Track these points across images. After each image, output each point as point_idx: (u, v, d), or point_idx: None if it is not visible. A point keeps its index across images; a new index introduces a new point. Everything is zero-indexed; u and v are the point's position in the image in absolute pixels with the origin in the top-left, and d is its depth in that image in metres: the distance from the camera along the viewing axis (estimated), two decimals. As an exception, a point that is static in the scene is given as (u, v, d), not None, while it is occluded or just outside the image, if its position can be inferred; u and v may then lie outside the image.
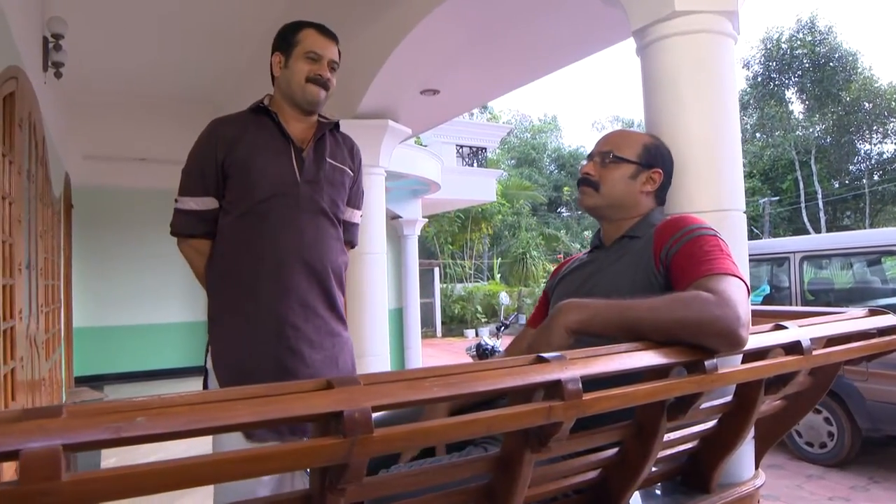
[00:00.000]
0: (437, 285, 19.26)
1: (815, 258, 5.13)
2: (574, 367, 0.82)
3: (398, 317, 9.91)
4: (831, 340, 1.40)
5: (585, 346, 0.95)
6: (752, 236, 22.27)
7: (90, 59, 4.54)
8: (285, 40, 1.64)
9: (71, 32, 3.79)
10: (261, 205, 1.56)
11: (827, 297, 5.05)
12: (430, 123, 4.69)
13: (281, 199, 1.57)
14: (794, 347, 1.15)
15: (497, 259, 24.56)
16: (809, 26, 22.47)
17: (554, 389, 0.80)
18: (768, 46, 23.27)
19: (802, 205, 22.36)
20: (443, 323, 19.12)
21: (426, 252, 22.35)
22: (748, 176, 24.48)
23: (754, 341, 1.12)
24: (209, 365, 1.62)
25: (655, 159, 1.38)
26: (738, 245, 1.50)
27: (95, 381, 6.83)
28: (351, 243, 1.87)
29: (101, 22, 3.90)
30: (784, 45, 22.88)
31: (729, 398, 1.25)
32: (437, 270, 19.64)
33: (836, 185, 23.37)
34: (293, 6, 3.28)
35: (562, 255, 22.72)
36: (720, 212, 1.47)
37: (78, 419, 0.59)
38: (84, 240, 6.75)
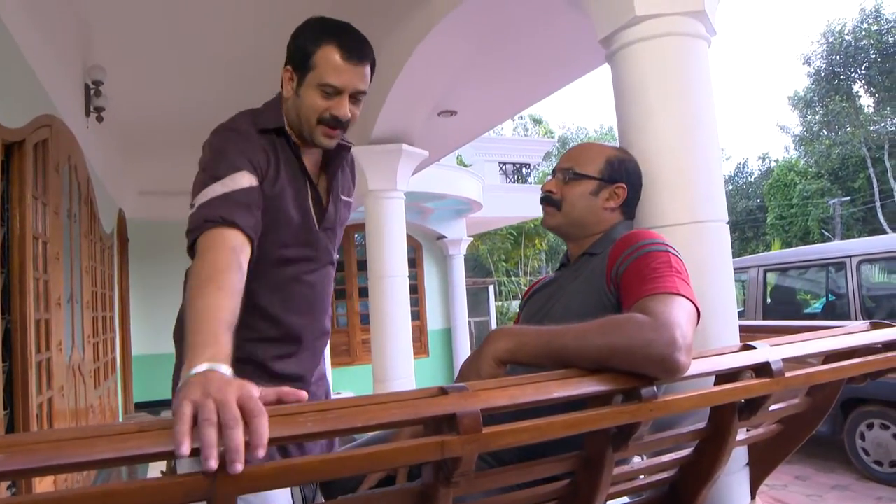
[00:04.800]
0: (493, 303, 19.09)
1: (875, 262, 4.78)
2: (475, 400, 0.79)
3: (447, 337, 9.90)
4: (829, 357, 1.30)
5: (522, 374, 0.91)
6: (823, 240, 21.07)
7: (141, 100, 4.79)
8: (300, 57, 1.25)
9: (121, 76, 4.03)
10: (276, 252, 1.27)
11: (890, 304, 4.69)
12: (453, 145, 4.69)
13: (296, 250, 1.31)
14: (763, 369, 1.06)
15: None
16: (875, 15, 21.28)
17: (451, 423, 0.77)
18: (830, 40, 22.18)
19: (877, 204, 20.99)
20: (499, 341, 18.90)
21: (482, 270, 22.25)
22: (815, 176, 23.26)
23: (716, 363, 1.05)
24: None
25: (619, 173, 1.31)
26: (720, 258, 1.41)
27: (154, 407, 7.13)
28: None
29: (149, 64, 4.11)
30: (848, 37, 21.75)
31: (703, 424, 1.17)
32: (491, 288, 19.48)
33: (916, 181, 21.85)
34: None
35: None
36: (697, 223, 1.38)
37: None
38: (141, 272, 7.11)
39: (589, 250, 1.28)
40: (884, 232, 19.47)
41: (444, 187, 7.80)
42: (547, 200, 1.35)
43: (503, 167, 12.64)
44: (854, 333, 1.29)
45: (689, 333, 0.94)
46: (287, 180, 1.28)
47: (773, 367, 1.06)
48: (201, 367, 0.75)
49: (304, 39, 1.26)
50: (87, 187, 3.97)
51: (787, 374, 1.08)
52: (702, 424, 1.18)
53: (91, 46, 3.90)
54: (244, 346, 1.17)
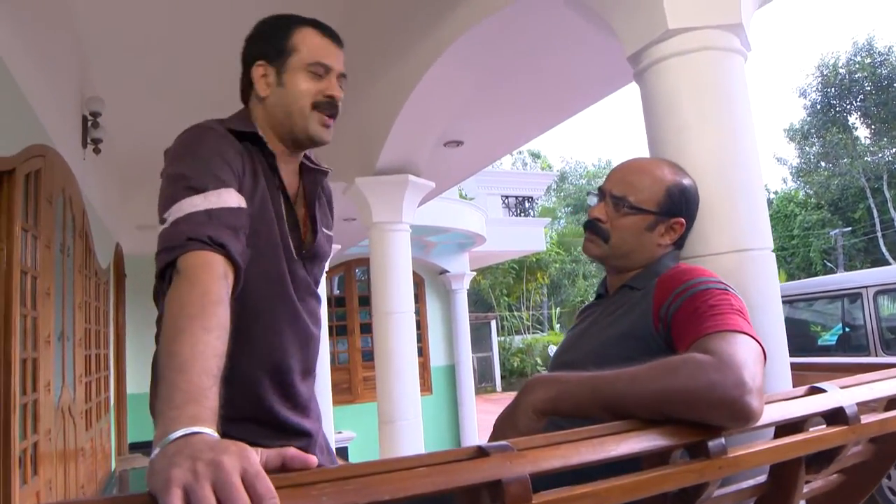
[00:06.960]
0: (495, 338, 18.90)
1: (892, 292, 4.65)
2: (522, 462, 0.65)
3: (450, 374, 9.69)
4: (893, 401, 1.17)
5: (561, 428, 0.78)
6: (825, 270, 20.98)
7: (140, 132, 4.71)
8: (273, 44, 1.12)
9: (120, 108, 3.96)
10: (253, 282, 1.07)
11: (910, 336, 4.54)
12: (459, 176, 4.61)
13: (274, 281, 1.13)
14: (835, 416, 0.93)
15: (556, 309, 24.05)
16: (867, 48, 21.60)
17: (494, 491, 0.63)
18: (825, 73, 22.46)
19: (879, 234, 20.95)
20: (502, 377, 18.66)
21: (483, 305, 22.09)
22: (815, 207, 23.30)
23: (782, 410, 0.91)
24: None
25: (679, 207, 1.18)
26: (768, 290, 1.29)
27: (149, 447, 6.89)
28: None
29: (148, 95, 4.05)
30: (842, 70, 22.04)
31: (763, 478, 1.03)
32: (493, 323, 19.30)
33: (916, 211, 21.86)
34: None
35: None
36: (742, 252, 1.27)
37: None
38: (138, 308, 6.93)
39: (630, 283, 1.15)
40: (886, 262, 19.38)
41: (447, 220, 7.72)
42: (593, 229, 1.20)
43: (506, 200, 12.61)
44: (926, 372, 1.16)
45: (758, 374, 0.82)
46: (266, 196, 1.12)
47: (848, 412, 0.93)
48: (182, 431, 0.61)
49: (272, 31, 1.16)
50: (82, 220, 3.86)
51: (863, 421, 0.95)
52: (762, 478, 1.04)
53: (90, 78, 3.85)
54: (237, 404, 1.00)
